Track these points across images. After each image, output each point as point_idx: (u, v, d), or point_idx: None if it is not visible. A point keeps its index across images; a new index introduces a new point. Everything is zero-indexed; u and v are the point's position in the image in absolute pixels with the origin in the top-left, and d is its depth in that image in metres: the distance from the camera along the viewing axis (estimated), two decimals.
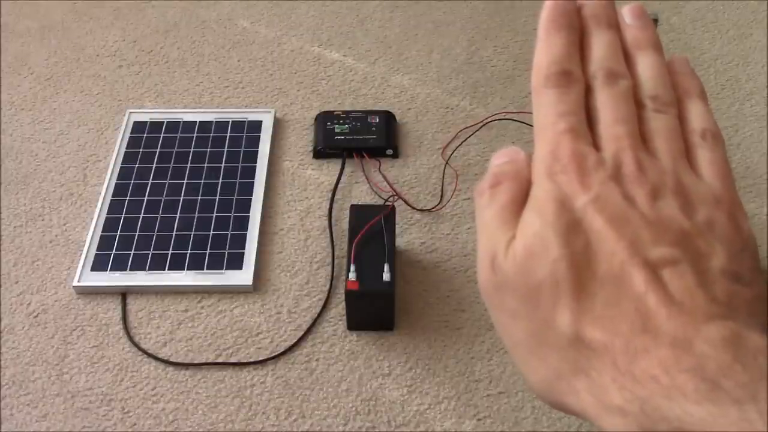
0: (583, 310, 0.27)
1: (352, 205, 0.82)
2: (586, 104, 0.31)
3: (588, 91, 0.32)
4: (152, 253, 0.85)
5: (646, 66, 0.33)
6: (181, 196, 0.91)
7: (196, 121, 1.00)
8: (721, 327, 0.25)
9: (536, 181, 0.30)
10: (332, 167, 0.96)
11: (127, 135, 0.99)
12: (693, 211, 0.29)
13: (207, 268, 0.84)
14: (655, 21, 0.79)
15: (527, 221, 0.29)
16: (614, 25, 0.34)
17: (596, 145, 0.30)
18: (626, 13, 0.34)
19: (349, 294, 0.75)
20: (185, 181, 0.93)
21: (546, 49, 0.32)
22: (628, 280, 0.26)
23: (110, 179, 0.93)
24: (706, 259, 0.27)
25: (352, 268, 0.75)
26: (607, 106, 0.31)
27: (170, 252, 0.85)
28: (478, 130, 1.00)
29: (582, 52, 0.33)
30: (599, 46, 0.33)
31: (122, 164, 0.95)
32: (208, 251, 0.85)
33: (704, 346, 0.24)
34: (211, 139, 0.98)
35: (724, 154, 0.31)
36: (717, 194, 0.29)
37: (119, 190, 0.92)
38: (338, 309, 0.82)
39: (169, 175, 0.93)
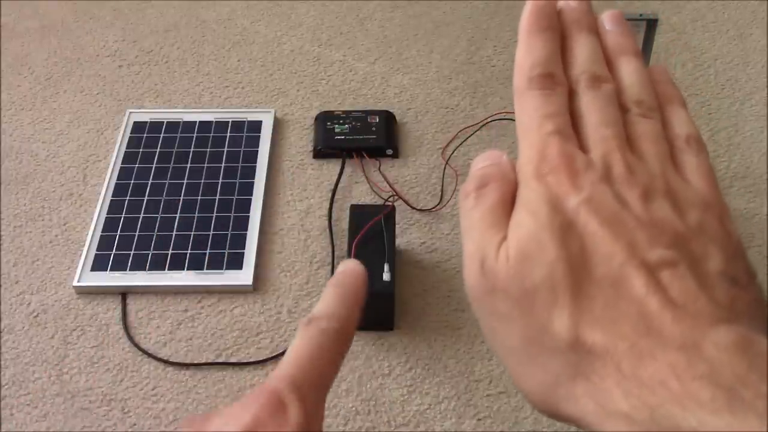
0: (581, 312, 0.26)
1: (352, 205, 0.82)
2: (569, 108, 0.31)
3: (570, 96, 0.31)
4: (152, 253, 0.85)
5: (628, 71, 0.33)
6: (181, 196, 0.91)
7: (196, 121, 1.00)
8: (729, 331, 0.24)
9: (524, 183, 0.29)
10: (332, 167, 0.95)
11: (127, 135, 0.99)
12: (684, 213, 0.28)
13: (207, 268, 0.84)
14: (655, 21, 0.79)
15: (519, 222, 0.28)
16: (595, 30, 0.33)
17: (582, 148, 0.30)
18: (606, 19, 0.34)
19: None
20: (185, 181, 0.93)
21: (528, 51, 0.32)
22: (627, 283, 0.26)
23: (110, 179, 0.93)
24: (703, 261, 0.27)
25: None
26: (592, 108, 0.31)
27: (170, 252, 0.85)
28: (478, 130, 1.00)
29: (563, 55, 0.32)
30: (582, 50, 0.32)
31: (122, 164, 0.95)
32: (208, 251, 0.85)
33: (715, 352, 0.24)
34: (211, 139, 0.98)
35: (708, 160, 0.31)
36: (706, 198, 0.29)
37: (119, 190, 0.92)
38: None
39: (169, 175, 0.93)
